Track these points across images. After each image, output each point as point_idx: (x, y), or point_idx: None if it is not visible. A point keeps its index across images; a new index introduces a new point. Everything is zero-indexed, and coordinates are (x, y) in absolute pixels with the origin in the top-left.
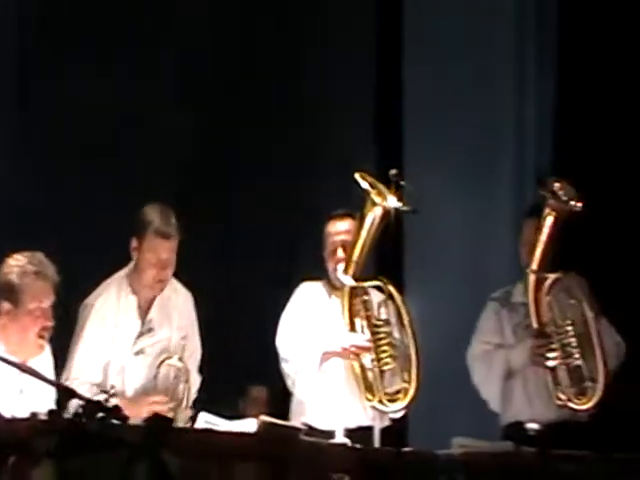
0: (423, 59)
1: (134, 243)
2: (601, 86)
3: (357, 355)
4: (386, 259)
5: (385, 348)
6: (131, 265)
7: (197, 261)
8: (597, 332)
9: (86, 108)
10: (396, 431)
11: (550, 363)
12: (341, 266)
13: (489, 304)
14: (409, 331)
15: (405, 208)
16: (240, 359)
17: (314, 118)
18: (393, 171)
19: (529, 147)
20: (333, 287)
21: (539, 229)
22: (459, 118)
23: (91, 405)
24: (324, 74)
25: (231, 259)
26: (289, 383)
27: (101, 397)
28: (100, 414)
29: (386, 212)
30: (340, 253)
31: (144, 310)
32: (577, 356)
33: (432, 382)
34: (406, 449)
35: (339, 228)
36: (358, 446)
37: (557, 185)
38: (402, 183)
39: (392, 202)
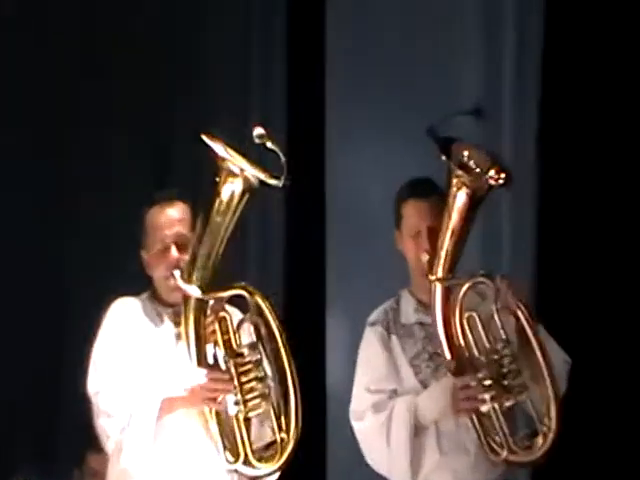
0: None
1: None
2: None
3: (212, 399)
4: (299, 265)
5: (252, 385)
6: None
7: None
8: (543, 350)
9: None
10: None
11: (484, 408)
12: (177, 272)
13: (369, 331)
14: (285, 359)
15: (273, 182)
16: (78, 422)
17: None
18: (259, 130)
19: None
20: (164, 303)
21: (448, 213)
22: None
23: None
24: None
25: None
26: (108, 444)
27: None
28: None
29: (248, 187)
30: (174, 252)
31: None
32: (519, 389)
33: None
34: None
35: (170, 216)
36: None
37: (466, 153)
38: (271, 146)
39: (255, 173)
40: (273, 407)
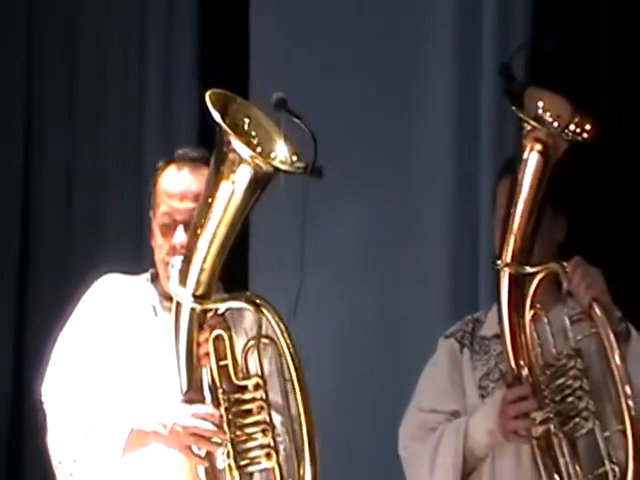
0: None
1: None
2: None
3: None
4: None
5: (250, 432)
6: None
7: None
8: (623, 371)
9: None
10: None
11: (536, 431)
12: (175, 271)
13: (440, 345)
14: (300, 400)
15: (299, 164)
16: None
17: None
18: (278, 94)
19: None
20: (164, 295)
21: (518, 182)
22: None
23: None
24: None
25: None
26: (58, 471)
27: None
28: None
29: (260, 171)
30: (180, 235)
31: None
32: (588, 418)
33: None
34: None
35: (186, 185)
36: None
37: (541, 103)
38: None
39: (280, 152)
40: (279, 465)
